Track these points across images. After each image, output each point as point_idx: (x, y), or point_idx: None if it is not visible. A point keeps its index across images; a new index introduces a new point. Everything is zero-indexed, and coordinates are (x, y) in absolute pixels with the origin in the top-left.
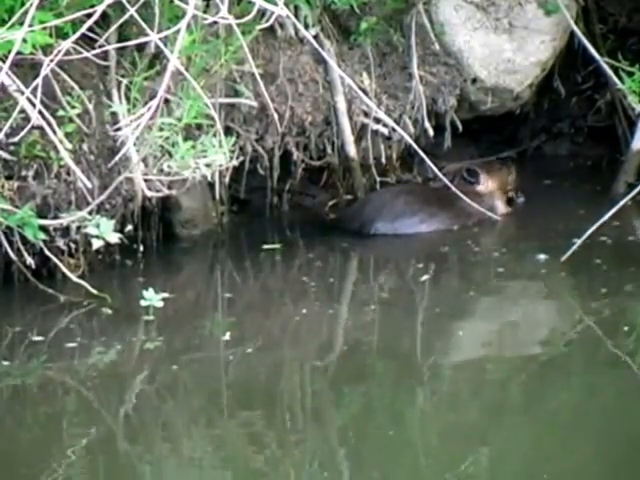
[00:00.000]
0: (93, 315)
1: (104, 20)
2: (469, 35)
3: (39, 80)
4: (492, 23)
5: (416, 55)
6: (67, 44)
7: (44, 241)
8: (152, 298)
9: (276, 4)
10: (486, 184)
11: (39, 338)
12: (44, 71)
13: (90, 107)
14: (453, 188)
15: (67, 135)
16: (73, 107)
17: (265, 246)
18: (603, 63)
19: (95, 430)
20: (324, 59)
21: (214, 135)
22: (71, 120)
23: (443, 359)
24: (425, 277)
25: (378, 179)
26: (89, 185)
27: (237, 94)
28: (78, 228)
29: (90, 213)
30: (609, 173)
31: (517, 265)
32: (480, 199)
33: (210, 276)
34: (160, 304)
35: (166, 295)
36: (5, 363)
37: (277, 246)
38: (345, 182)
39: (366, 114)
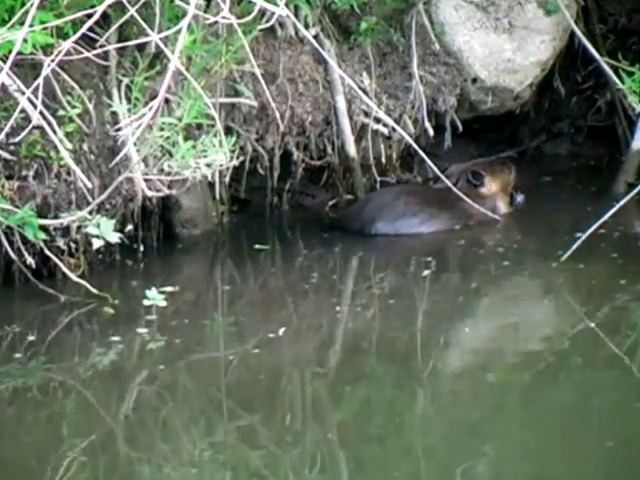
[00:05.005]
0: (93, 315)
1: (104, 20)
2: (469, 35)
3: (40, 80)
4: (492, 23)
5: (416, 55)
6: (68, 44)
7: (44, 241)
8: (155, 297)
9: (276, 4)
10: (490, 186)
11: (39, 338)
12: (45, 71)
13: (90, 107)
14: (454, 189)
15: (67, 135)
16: (73, 107)
17: (256, 246)
18: (603, 63)
19: (96, 431)
20: (324, 59)
21: (214, 135)
22: (71, 120)
23: (444, 358)
24: (426, 272)
25: (378, 179)
26: (89, 185)
27: (237, 94)
28: (78, 228)
29: (90, 213)
30: (609, 173)
31: (520, 263)
32: (482, 201)
33: (210, 276)
34: (163, 303)
35: (167, 293)
36: (5, 363)
37: (266, 246)
38: (345, 182)
39: (366, 114)
